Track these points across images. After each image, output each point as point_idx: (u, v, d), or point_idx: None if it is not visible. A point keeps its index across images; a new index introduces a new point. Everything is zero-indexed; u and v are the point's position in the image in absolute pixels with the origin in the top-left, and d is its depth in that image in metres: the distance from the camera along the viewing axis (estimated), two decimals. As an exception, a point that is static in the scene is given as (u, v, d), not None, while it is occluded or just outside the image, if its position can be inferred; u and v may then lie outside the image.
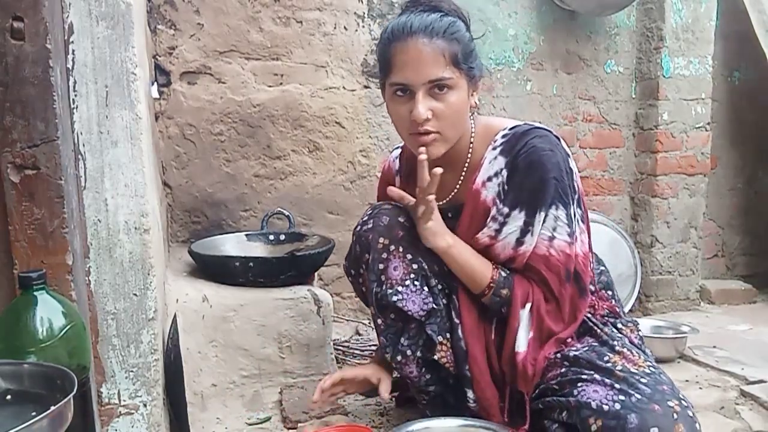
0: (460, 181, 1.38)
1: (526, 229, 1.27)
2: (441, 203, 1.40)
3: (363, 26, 2.38)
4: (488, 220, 1.31)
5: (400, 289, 1.31)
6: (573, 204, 1.28)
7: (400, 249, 1.33)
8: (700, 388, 1.87)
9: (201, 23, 2.19)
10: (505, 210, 1.29)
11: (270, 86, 2.29)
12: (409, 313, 1.32)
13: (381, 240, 1.33)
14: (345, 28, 2.35)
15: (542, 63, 2.62)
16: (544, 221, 1.26)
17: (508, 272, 1.31)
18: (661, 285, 2.75)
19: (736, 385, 1.87)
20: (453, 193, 1.39)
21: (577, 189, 1.30)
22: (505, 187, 1.29)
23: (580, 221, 1.31)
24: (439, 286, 1.35)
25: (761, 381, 1.88)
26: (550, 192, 1.25)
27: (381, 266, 1.33)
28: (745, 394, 1.80)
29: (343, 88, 2.37)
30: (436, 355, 1.34)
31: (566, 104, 2.68)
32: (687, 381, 1.91)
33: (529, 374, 1.26)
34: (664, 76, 2.65)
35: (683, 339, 2.13)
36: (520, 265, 1.29)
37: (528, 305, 1.27)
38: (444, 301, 1.36)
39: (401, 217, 1.35)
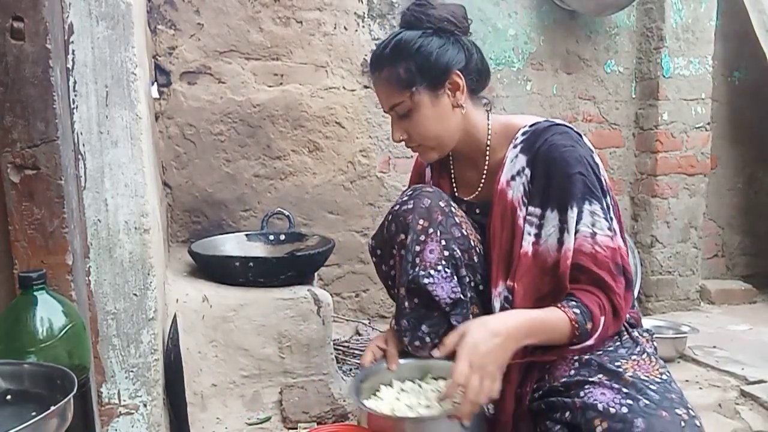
0: (483, 179, 1.38)
1: (562, 227, 1.25)
2: (469, 198, 1.42)
3: (363, 26, 2.38)
4: (523, 223, 1.28)
5: (432, 273, 1.29)
6: (605, 197, 1.27)
7: (438, 233, 1.31)
8: (700, 388, 1.87)
9: (201, 23, 2.19)
10: (538, 211, 1.27)
11: (270, 86, 2.29)
12: (437, 298, 1.29)
13: (421, 222, 1.31)
14: (345, 28, 2.35)
15: (542, 63, 2.62)
16: (579, 218, 1.24)
17: (570, 299, 1.22)
18: (661, 285, 2.75)
19: (736, 385, 1.87)
20: (479, 190, 1.41)
21: (605, 183, 1.29)
22: (530, 186, 1.28)
23: (614, 215, 1.29)
24: (467, 278, 1.34)
25: (761, 381, 1.88)
26: (578, 187, 1.23)
27: (418, 248, 1.31)
28: (745, 394, 1.81)
29: (343, 88, 2.37)
30: None
31: (566, 104, 2.68)
32: (687, 381, 1.91)
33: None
34: (664, 76, 2.65)
35: (683, 339, 2.13)
36: (566, 268, 1.24)
37: (603, 318, 1.22)
38: (471, 293, 1.35)
39: (442, 201, 1.34)
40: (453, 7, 1.35)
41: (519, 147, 1.31)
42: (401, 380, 1.30)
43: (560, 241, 1.25)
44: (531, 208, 1.28)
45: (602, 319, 1.22)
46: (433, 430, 1.15)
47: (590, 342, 1.22)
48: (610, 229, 1.25)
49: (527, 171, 1.29)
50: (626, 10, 2.60)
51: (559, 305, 1.22)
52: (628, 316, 1.37)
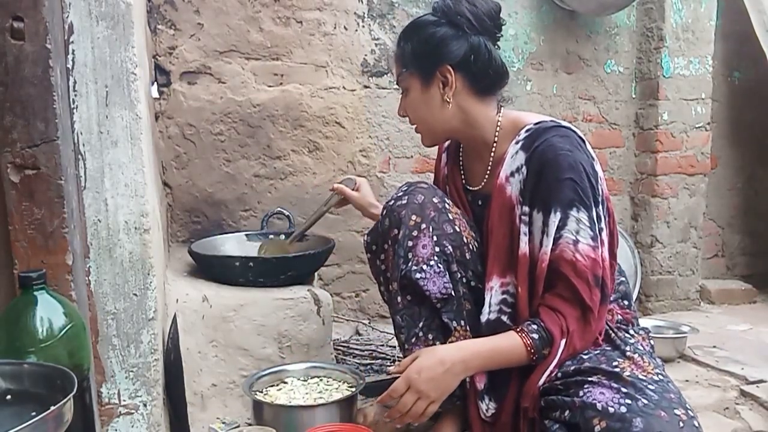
0: (487, 173, 1.40)
1: (543, 229, 1.25)
2: (475, 189, 1.44)
3: (363, 26, 2.38)
4: (519, 223, 1.28)
5: (424, 267, 1.32)
6: (596, 207, 1.24)
7: (430, 229, 1.33)
8: (700, 388, 1.87)
9: (201, 23, 2.19)
10: (527, 209, 1.28)
11: (270, 86, 2.29)
12: (427, 293, 1.32)
13: (413, 217, 1.34)
14: (345, 28, 2.35)
15: (542, 63, 2.62)
16: (563, 223, 1.22)
17: (534, 322, 1.24)
18: (661, 285, 2.75)
19: (736, 385, 1.87)
20: (483, 183, 1.42)
21: (601, 192, 1.27)
22: (525, 185, 1.28)
23: (604, 226, 1.27)
24: (459, 275, 1.35)
25: (761, 381, 1.88)
26: (565, 192, 1.22)
27: (410, 243, 1.33)
28: (745, 394, 1.81)
29: (343, 88, 2.37)
30: (449, 340, 1.35)
31: (566, 104, 2.68)
32: (687, 381, 1.91)
33: (536, 393, 1.24)
34: (664, 76, 2.65)
35: (683, 339, 2.13)
36: (542, 272, 1.25)
37: (563, 341, 1.23)
38: (463, 290, 1.36)
39: (435, 197, 1.36)
40: (483, 3, 1.33)
41: (520, 144, 1.31)
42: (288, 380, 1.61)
43: (541, 243, 1.26)
44: (524, 207, 1.29)
45: (562, 342, 1.23)
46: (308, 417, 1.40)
47: (553, 364, 1.23)
48: (594, 239, 1.23)
49: (524, 169, 1.29)
50: (626, 10, 2.60)
51: (518, 329, 1.25)
52: (620, 316, 1.38)
